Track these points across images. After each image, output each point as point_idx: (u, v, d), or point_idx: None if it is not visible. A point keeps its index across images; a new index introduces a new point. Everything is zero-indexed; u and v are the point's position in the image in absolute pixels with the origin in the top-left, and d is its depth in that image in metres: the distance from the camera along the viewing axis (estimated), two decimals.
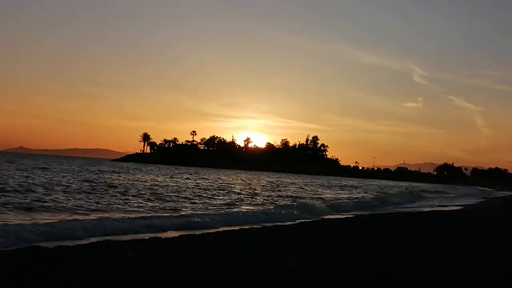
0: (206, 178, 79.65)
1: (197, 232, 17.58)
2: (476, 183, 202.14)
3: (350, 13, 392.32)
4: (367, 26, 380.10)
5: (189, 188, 48.57)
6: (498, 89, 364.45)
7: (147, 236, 15.63)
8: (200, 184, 58.31)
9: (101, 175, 64.45)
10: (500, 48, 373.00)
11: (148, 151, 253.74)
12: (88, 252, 11.53)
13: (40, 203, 25.44)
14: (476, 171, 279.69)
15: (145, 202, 30.50)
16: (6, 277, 8.32)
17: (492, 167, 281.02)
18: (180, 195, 38.97)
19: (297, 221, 23.45)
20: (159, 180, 62.86)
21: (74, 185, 40.49)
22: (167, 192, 40.99)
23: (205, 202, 34.51)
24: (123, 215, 22.89)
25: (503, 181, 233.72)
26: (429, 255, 12.19)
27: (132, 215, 22.80)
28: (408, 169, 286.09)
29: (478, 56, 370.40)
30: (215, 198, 38.63)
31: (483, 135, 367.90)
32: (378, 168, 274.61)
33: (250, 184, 69.68)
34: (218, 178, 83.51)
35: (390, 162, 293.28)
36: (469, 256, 12.51)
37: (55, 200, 27.40)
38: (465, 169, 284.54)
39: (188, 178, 74.89)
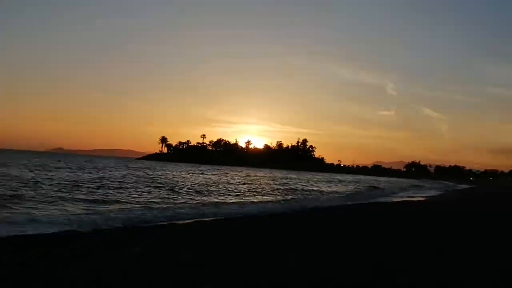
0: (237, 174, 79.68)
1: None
2: (439, 178, 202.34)
3: (336, 37, 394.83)
4: (350, 49, 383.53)
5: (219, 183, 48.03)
6: (458, 100, 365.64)
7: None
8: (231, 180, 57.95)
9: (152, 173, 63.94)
10: (459, 66, 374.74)
11: (166, 151, 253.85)
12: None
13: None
14: (439, 168, 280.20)
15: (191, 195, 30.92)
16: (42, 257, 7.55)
17: (453, 165, 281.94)
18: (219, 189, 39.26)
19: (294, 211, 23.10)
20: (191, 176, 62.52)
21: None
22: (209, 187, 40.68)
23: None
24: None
25: (462, 176, 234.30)
26: (400, 236, 12.15)
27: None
28: (382, 166, 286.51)
29: (441, 73, 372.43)
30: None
31: (446, 138, 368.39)
32: (357, 165, 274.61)
33: (258, 180, 67.94)
34: (247, 175, 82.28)
35: (367, 161, 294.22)
36: (430, 233, 12.68)
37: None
38: (430, 166, 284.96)
39: (214, 174, 74.40)
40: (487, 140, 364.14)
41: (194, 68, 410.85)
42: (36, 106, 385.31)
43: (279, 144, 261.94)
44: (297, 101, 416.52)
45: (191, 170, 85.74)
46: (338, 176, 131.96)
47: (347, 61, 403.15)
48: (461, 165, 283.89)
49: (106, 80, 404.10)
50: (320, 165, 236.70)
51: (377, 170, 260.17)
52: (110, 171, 60.93)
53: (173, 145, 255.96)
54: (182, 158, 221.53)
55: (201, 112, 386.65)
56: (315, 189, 51.33)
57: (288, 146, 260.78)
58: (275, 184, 55.39)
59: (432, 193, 57.31)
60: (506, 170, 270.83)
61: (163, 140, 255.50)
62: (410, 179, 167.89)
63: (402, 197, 44.02)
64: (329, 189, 53.26)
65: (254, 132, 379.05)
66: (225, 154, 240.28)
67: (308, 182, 71.58)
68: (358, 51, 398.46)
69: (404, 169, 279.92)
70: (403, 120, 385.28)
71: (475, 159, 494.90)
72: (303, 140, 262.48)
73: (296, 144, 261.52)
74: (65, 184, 31.77)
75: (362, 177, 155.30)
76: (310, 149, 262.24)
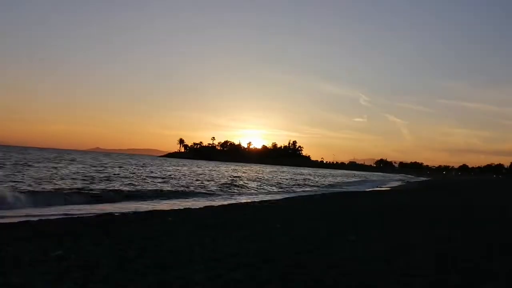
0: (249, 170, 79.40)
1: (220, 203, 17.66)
2: (402, 172, 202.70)
3: (319, 58, 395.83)
4: (330, 67, 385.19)
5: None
6: (416, 109, 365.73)
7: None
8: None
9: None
10: (417, 82, 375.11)
11: (183, 150, 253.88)
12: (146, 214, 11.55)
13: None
14: (402, 164, 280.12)
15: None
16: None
17: (413, 161, 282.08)
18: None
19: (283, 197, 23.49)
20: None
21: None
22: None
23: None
24: None
25: (420, 170, 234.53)
26: (362, 211, 12.31)
27: None
28: (357, 162, 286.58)
29: (403, 87, 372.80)
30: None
31: (407, 140, 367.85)
32: (336, 162, 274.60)
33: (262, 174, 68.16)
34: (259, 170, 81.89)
35: (344, 158, 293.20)
36: (393, 212, 12.64)
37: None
38: (394, 162, 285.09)
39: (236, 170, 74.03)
40: (440, 141, 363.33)
41: (206, 85, 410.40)
42: (74, 110, 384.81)
43: (274, 145, 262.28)
44: (288, 110, 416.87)
45: (218, 167, 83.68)
46: (325, 171, 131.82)
47: (328, 77, 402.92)
48: (419, 161, 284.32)
49: (137, 96, 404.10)
50: (307, 162, 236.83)
51: (352, 165, 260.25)
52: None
53: (189, 145, 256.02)
54: (196, 156, 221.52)
55: (211, 119, 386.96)
56: (326, 182, 51.89)
57: (281, 146, 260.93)
58: (299, 180, 54.63)
59: (396, 184, 58.18)
60: (456, 166, 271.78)
61: (181, 141, 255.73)
62: (381, 172, 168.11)
63: (372, 187, 44.89)
64: (335, 181, 55.05)
65: (254, 135, 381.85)
66: (231, 152, 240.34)
67: (317, 176, 71.33)
68: (338, 69, 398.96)
69: (374, 165, 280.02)
70: (373, 125, 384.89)
71: (431, 157, 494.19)
72: (293, 142, 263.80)
73: (287, 145, 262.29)
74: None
75: (341, 171, 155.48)
76: (299, 148, 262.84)
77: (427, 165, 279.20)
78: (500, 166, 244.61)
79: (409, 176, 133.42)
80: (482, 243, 7.98)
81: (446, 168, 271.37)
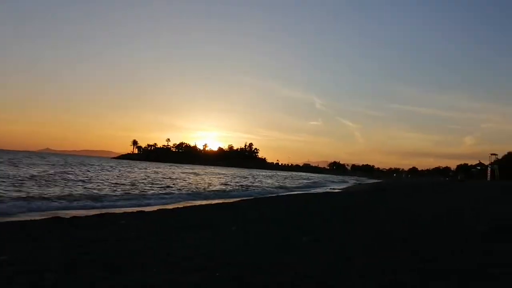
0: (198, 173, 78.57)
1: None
2: (354, 174, 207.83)
3: (275, 61, 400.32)
4: (285, 70, 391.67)
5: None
6: (369, 114, 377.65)
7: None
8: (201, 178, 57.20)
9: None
10: (371, 87, 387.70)
11: (136, 152, 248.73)
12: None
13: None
14: (354, 166, 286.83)
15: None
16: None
17: (365, 164, 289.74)
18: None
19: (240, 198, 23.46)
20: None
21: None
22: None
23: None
24: None
25: (372, 173, 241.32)
26: (318, 210, 12.49)
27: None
28: (311, 165, 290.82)
29: (357, 93, 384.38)
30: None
31: (359, 143, 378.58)
32: (291, 164, 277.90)
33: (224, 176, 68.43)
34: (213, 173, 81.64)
35: (299, 160, 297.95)
36: (347, 212, 12.88)
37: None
38: (347, 165, 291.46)
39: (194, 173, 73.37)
40: (391, 144, 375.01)
41: (162, 86, 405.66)
42: (23, 109, 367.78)
43: (230, 147, 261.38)
44: (244, 112, 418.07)
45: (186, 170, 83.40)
46: (282, 173, 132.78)
47: (285, 81, 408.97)
48: (371, 164, 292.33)
49: (90, 96, 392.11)
50: (263, 164, 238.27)
51: (307, 168, 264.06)
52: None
53: (143, 147, 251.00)
54: (150, 158, 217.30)
55: (166, 120, 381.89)
56: (283, 184, 52.15)
57: (237, 149, 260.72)
58: (256, 182, 55.62)
59: (347, 185, 59.79)
60: (406, 168, 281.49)
61: (134, 142, 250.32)
62: (334, 174, 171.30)
63: (325, 189, 45.85)
64: (292, 183, 54.37)
65: (210, 137, 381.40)
66: (186, 154, 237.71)
67: (272, 178, 71.89)
68: (295, 74, 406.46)
69: (328, 167, 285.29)
70: (327, 128, 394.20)
71: (382, 159, 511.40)
72: (249, 144, 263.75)
73: (244, 147, 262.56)
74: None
75: (295, 173, 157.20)
76: (255, 151, 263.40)
77: (378, 168, 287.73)
78: (447, 168, 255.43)
79: (362, 178, 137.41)
80: (438, 243, 8.28)
81: (397, 170, 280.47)
